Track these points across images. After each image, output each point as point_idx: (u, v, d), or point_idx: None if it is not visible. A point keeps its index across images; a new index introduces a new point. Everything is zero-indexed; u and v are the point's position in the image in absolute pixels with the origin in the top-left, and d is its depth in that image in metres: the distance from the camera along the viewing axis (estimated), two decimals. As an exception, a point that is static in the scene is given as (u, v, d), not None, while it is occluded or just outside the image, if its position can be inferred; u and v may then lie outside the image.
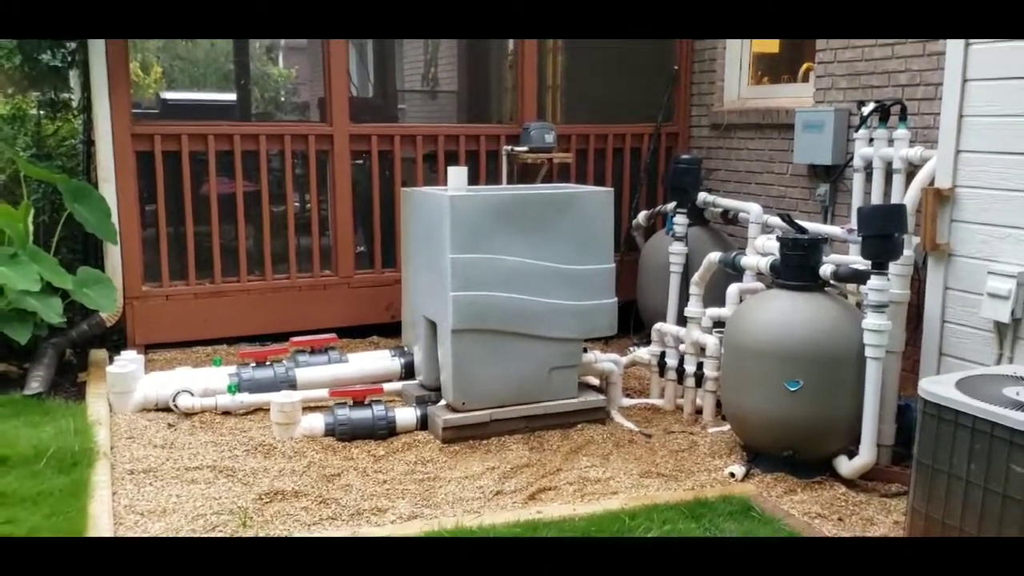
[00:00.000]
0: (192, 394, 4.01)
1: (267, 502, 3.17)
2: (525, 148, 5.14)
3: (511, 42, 5.52)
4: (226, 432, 3.82)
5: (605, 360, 4.23)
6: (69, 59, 5.01)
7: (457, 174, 3.91)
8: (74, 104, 5.54)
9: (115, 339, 4.82)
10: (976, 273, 3.27)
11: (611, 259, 4.05)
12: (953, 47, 3.33)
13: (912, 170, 3.88)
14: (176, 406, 3.98)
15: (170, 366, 4.50)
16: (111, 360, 4.32)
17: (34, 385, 4.09)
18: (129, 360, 4.10)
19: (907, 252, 3.38)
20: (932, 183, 3.46)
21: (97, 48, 4.48)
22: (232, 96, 7.21)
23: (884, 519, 3.16)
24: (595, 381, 4.29)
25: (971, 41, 3.27)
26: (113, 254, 4.68)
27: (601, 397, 4.09)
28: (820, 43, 4.73)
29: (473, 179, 4.78)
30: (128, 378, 4.00)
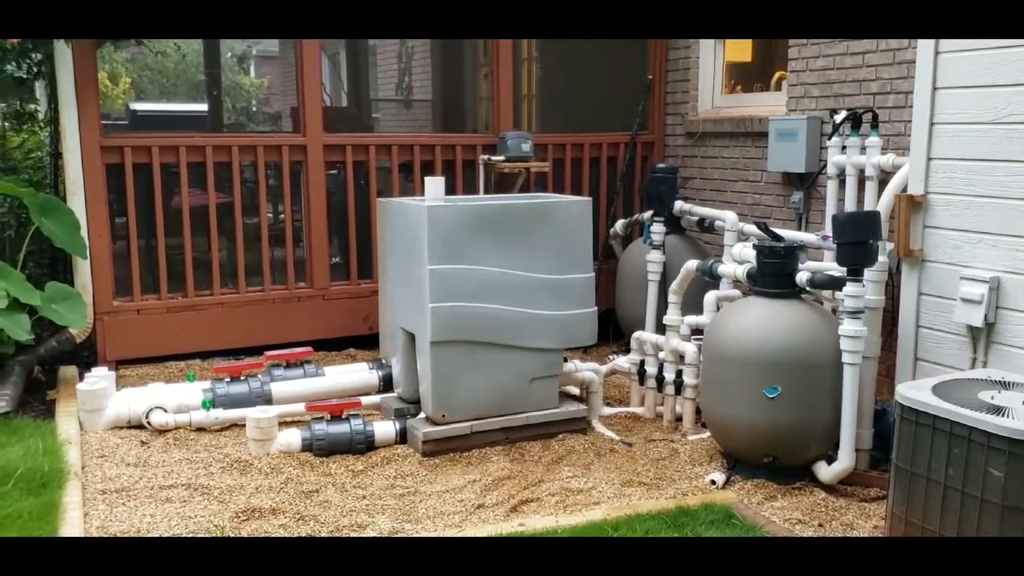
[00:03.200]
0: (165, 410, 3.94)
1: (244, 520, 3.11)
2: (502, 157, 5.13)
3: (485, 51, 5.51)
4: (201, 449, 3.75)
5: (585, 369, 4.22)
6: (35, 70, 4.91)
7: (434, 184, 3.90)
8: (40, 116, 5.43)
9: (85, 355, 4.72)
10: (949, 278, 3.32)
11: (591, 268, 4.04)
12: (923, 56, 3.38)
13: (884, 177, 3.93)
14: (149, 423, 3.91)
15: (142, 382, 4.41)
16: (81, 377, 4.23)
17: (1, 404, 3.99)
18: (100, 376, 4.02)
19: (881, 258, 3.41)
20: (905, 190, 3.50)
21: (64, 58, 4.39)
22: (203, 106, 7.14)
23: (864, 524, 3.18)
24: (575, 391, 4.27)
25: (941, 50, 3.32)
26: (83, 269, 4.59)
27: (582, 407, 4.08)
28: (792, 52, 4.78)
29: (450, 189, 4.76)
30: (99, 395, 3.91)
